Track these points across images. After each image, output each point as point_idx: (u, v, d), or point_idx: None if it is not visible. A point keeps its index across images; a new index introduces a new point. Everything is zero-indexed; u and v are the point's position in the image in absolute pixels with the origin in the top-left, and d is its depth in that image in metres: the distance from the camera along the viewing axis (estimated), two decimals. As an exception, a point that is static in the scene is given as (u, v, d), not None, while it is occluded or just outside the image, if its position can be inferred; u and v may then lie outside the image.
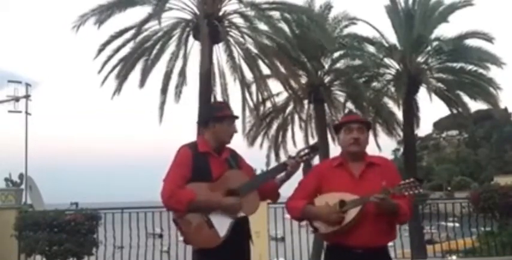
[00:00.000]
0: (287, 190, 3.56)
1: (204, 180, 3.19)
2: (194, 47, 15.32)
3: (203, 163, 3.24)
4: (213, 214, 3.13)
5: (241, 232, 3.23)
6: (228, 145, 3.44)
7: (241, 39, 15.34)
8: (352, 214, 2.98)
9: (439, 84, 18.61)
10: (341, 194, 3.05)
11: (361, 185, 3.00)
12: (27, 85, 15.91)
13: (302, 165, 3.38)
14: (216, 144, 3.34)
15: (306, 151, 3.38)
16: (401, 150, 27.85)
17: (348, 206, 2.99)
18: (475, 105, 32.05)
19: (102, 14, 14.29)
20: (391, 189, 2.90)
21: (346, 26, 18.63)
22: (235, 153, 3.45)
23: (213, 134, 3.34)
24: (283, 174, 3.37)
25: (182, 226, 3.16)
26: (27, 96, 15.55)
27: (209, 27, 13.90)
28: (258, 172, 3.64)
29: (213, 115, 3.37)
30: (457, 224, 9.76)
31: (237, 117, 3.47)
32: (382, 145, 20.10)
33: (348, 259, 3.05)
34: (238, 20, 15.26)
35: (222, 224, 3.12)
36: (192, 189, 3.13)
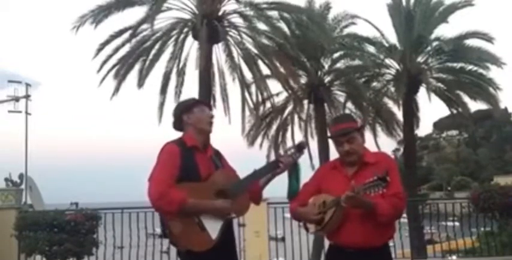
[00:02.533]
0: (286, 191, 3.54)
1: (191, 178, 3.07)
2: (194, 47, 15.36)
3: (191, 161, 3.12)
4: (204, 215, 3.03)
5: (228, 233, 3.17)
6: (219, 148, 3.37)
7: (240, 39, 15.36)
8: (328, 214, 2.99)
9: (439, 84, 18.63)
10: (326, 195, 3.06)
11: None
12: (27, 85, 15.93)
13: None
14: (200, 138, 3.23)
15: (292, 150, 3.32)
16: (401, 150, 27.82)
17: (327, 207, 3.00)
18: (475, 105, 32.09)
19: (100, 15, 14.32)
20: (357, 187, 2.84)
21: (346, 26, 18.67)
22: (219, 153, 3.35)
23: (193, 127, 3.22)
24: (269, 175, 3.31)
25: (172, 227, 3.01)
26: (27, 96, 15.56)
27: (208, 27, 13.91)
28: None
29: (179, 112, 3.27)
30: (457, 224, 9.75)
31: (204, 102, 3.38)
32: (382, 145, 20.13)
33: (342, 258, 3.07)
34: (237, 20, 15.30)
35: (213, 226, 3.03)
36: (183, 190, 2.99)
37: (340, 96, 19.39)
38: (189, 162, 3.10)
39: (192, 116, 3.23)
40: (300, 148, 3.35)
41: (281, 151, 3.33)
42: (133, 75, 15.28)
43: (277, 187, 3.56)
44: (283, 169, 3.28)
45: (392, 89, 18.56)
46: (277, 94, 18.51)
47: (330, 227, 3.03)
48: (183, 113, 3.25)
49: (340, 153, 3.15)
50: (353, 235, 2.98)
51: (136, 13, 15.02)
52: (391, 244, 3.42)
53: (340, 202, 2.92)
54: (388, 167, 3.01)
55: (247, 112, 16.63)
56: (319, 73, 18.71)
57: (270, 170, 3.29)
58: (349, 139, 3.11)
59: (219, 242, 3.04)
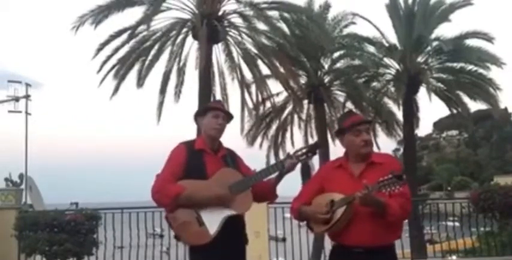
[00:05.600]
0: (286, 190, 3.54)
1: (198, 178, 3.15)
2: (193, 47, 15.36)
3: (198, 161, 3.21)
4: (204, 211, 3.10)
5: (234, 231, 3.17)
6: (228, 146, 3.42)
7: (240, 39, 15.36)
8: (338, 213, 2.95)
9: (439, 84, 18.62)
10: (333, 194, 3.02)
11: (360, 184, 2.90)
12: (27, 85, 15.96)
13: (300, 164, 3.30)
14: (210, 141, 3.31)
15: (304, 150, 3.29)
16: (401, 150, 27.81)
17: (336, 206, 2.96)
18: (475, 105, 32.10)
19: (100, 15, 14.31)
20: (371, 186, 2.81)
21: (346, 26, 18.67)
22: (234, 153, 3.41)
23: (203, 130, 3.38)
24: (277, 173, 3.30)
25: (172, 222, 3.17)
26: (27, 96, 15.59)
27: (208, 27, 13.89)
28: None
29: (195, 113, 3.44)
30: (457, 224, 9.75)
31: (220, 109, 3.38)
32: (382, 145, 20.10)
33: (349, 258, 3.01)
34: (237, 20, 15.29)
35: (212, 222, 3.08)
36: (182, 184, 3.12)
37: (340, 96, 19.42)
38: (195, 161, 3.21)
39: (200, 119, 3.38)
40: (314, 148, 3.33)
41: (291, 151, 3.32)
42: (132, 75, 15.31)
43: (278, 187, 3.53)
44: (287, 172, 3.29)
45: (392, 89, 18.58)
46: (277, 94, 18.54)
47: (338, 226, 2.98)
48: (197, 115, 3.42)
49: (359, 144, 3.06)
50: (362, 234, 2.94)
51: (136, 13, 14.99)
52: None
53: (352, 201, 2.88)
54: (396, 167, 2.99)
55: (246, 112, 16.64)
56: (319, 73, 18.70)
57: (273, 171, 3.29)
58: (367, 129, 3.10)
59: (222, 238, 3.07)
